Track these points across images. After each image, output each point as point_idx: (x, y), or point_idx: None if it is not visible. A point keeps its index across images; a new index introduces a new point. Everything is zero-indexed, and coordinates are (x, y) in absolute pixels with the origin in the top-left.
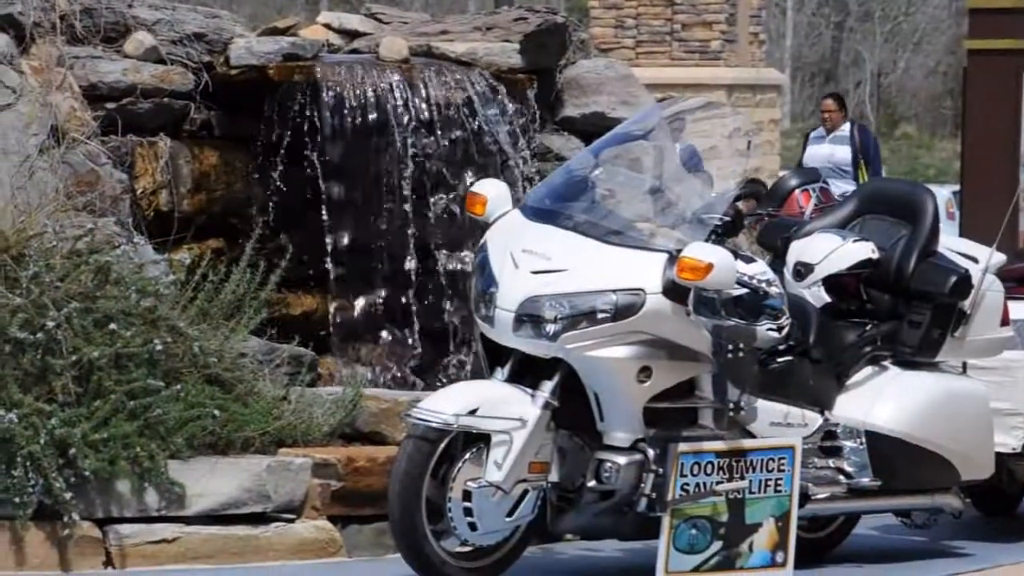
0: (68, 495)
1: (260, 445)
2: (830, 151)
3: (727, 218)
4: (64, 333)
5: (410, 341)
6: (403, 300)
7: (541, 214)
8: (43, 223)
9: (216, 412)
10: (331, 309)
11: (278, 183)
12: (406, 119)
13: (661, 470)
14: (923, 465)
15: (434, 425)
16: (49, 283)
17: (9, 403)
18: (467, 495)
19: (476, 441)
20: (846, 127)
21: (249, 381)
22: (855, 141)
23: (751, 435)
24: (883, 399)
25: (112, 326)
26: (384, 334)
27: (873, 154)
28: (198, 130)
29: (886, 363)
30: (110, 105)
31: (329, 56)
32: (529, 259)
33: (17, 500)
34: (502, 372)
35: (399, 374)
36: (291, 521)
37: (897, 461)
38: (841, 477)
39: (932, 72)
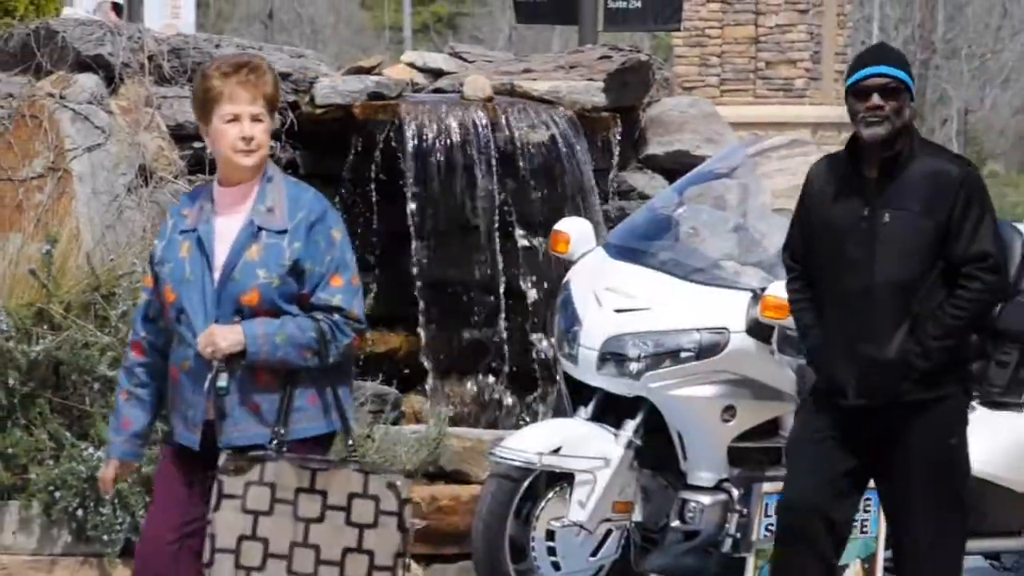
0: None
1: None
2: None
3: None
4: None
5: (495, 379)
6: (488, 338)
7: (624, 252)
8: (132, 262)
9: None
10: (416, 347)
11: (363, 221)
12: (490, 157)
13: (745, 510)
14: (1012, 507)
15: (517, 464)
16: None
17: (98, 441)
18: (551, 534)
19: (559, 480)
20: None
21: None
22: None
23: None
24: (971, 440)
25: None
26: (469, 372)
27: None
28: (284, 169)
29: (973, 404)
30: (197, 144)
31: (413, 95)
32: (613, 297)
33: (105, 538)
34: (585, 411)
35: (483, 412)
36: None
37: (985, 503)
38: None
39: (1020, 110)
